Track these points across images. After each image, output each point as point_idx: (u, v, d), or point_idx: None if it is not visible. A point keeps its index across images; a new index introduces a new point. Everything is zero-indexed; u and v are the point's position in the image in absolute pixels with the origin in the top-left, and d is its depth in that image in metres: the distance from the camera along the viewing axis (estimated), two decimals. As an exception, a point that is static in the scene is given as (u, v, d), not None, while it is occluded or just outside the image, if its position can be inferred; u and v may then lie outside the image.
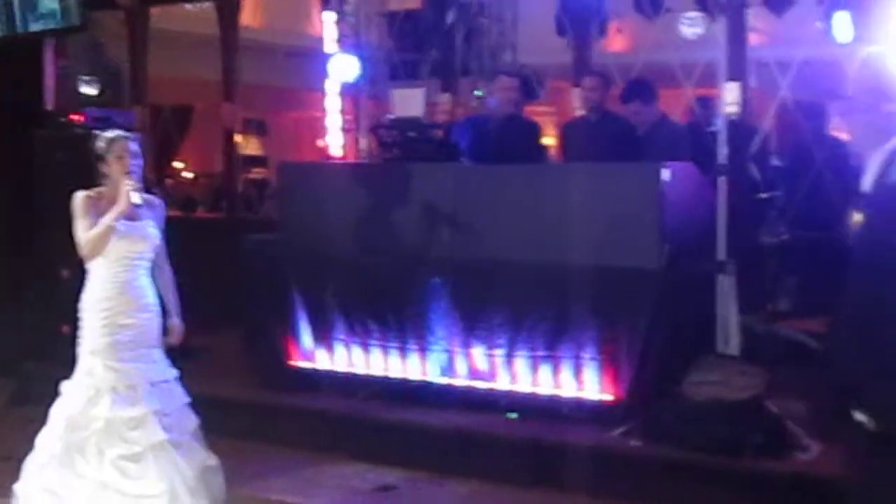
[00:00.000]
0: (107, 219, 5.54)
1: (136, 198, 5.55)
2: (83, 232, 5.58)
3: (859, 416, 3.22)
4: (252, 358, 8.34)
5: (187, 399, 5.85)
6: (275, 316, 7.97)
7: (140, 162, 5.69)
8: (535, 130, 8.21)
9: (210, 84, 12.96)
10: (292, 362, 7.95)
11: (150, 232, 5.71)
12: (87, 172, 5.71)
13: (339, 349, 7.77)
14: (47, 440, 5.63)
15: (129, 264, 5.63)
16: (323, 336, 7.82)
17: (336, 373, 7.80)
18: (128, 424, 5.53)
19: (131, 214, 5.62)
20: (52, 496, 5.54)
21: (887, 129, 3.34)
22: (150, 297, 5.76)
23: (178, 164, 18.47)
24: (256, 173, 18.43)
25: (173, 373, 5.84)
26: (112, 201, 5.61)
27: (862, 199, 3.41)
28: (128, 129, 8.56)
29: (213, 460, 5.90)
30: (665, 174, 6.75)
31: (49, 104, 10.49)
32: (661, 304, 6.63)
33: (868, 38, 7.50)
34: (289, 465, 7.02)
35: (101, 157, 5.69)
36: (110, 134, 5.76)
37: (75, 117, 8.83)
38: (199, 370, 8.27)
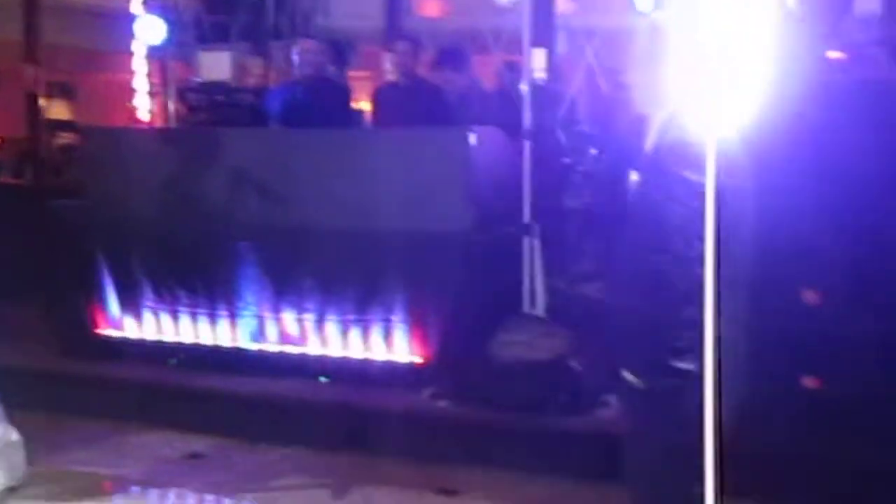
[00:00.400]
0: None
1: None
2: None
3: (627, 376, 3.37)
4: (55, 327, 8.10)
5: None
6: (79, 284, 7.77)
7: None
8: (345, 94, 8.19)
9: (11, 45, 12.48)
10: (98, 331, 7.77)
11: None
12: None
13: (148, 317, 7.63)
14: None
15: None
16: (130, 303, 7.67)
17: (144, 341, 7.67)
18: None
19: None
20: None
21: (665, 94, 3.45)
22: None
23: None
24: (64, 138, 17.82)
25: None
26: None
27: (641, 160, 3.54)
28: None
29: (14, 435, 5.74)
30: (472, 139, 6.82)
31: None
32: (469, 266, 6.73)
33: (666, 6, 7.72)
34: (94, 435, 6.85)
35: None
36: None
37: None
38: (-2, 340, 8.09)
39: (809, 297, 5.80)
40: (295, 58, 7.96)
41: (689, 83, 3.29)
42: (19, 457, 5.77)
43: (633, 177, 3.62)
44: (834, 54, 7.33)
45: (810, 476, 5.51)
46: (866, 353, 5.61)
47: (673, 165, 3.34)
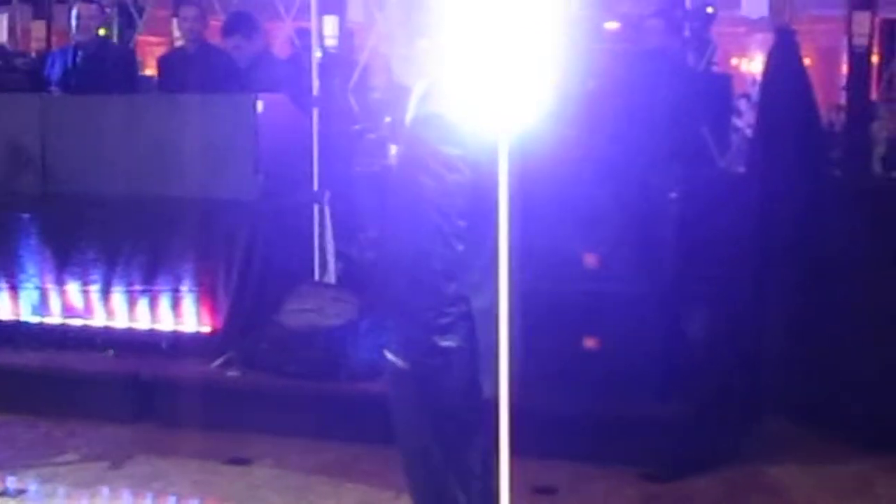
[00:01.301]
0: None
1: None
2: None
3: (390, 355, 3.43)
4: None
5: None
6: None
7: None
8: (128, 59, 8.01)
9: None
10: None
11: None
12: None
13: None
14: None
15: None
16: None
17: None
18: None
19: None
20: None
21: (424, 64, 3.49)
22: None
23: None
24: None
25: None
26: None
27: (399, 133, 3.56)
28: None
29: None
30: (260, 106, 6.77)
31: None
32: (257, 234, 6.71)
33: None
34: None
35: None
36: None
37: None
38: None
39: (589, 260, 6.01)
40: (73, 21, 7.71)
41: (465, 54, 3.33)
42: None
43: (393, 149, 3.64)
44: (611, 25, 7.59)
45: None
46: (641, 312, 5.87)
47: (426, 137, 3.36)
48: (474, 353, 3.33)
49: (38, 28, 9.86)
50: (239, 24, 8.13)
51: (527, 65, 3.29)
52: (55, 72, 7.72)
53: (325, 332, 6.45)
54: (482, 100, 3.30)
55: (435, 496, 3.51)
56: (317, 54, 7.61)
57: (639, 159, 6.20)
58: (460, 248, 3.28)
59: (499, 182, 3.30)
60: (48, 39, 9.91)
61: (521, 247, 3.52)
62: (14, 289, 7.09)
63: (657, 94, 6.53)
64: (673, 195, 6.13)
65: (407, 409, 3.47)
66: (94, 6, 7.84)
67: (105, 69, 7.62)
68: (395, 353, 3.40)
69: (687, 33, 8.37)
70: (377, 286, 6.04)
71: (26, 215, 7.02)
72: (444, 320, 3.29)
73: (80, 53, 7.69)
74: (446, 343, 3.29)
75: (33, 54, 8.91)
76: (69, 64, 7.69)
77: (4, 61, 7.49)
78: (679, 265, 6.12)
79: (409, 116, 3.47)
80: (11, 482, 5.62)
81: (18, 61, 7.66)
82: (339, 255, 7.25)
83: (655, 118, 6.40)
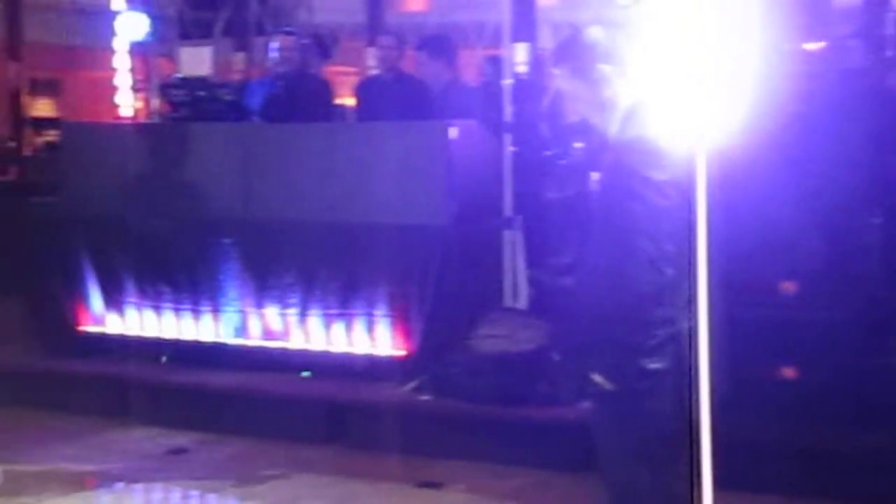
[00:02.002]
0: None
1: None
2: None
3: (596, 378, 3.38)
4: (39, 324, 8.09)
5: None
6: (62, 280, 7.77)
7: None
8: (325, 89, 8.20)
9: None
10: (81, 327, 7.76)
11: None
12: None
13: (131, 313, 7.62)
14: None
15: None
16: (113, 300, 7.66)
17: (128, 337, 7.66)
18: None
19: None
20: None
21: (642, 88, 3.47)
22: None
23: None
24: (49, 135, 17.82)
25: None
26: None
27: (603, 157, 3.54)
28: None
29: None
30: (452, 133, 6.84)
31: None
32: (449, 260, 6.75)
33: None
34: (77, 432, 6.88)
35: None
36: None
37: None
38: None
39: (787, 287, 5.84)
40: (274, 53, 7.95)
41: (669, 79, 3.29)
42: None
43: (594, 175, 3.62)
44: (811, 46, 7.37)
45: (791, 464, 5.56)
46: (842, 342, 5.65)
47: (634, 162, 3.33)
48: (681, 376, 3.28)
49: (239, 60, 10.24)
50: (427, 43, 8.25)
51: (726, 87, 3.22)
52: (255, 101, 7.96)
53: (515, 358, 6.43)
54: (680, 121, 3.25)
55: None
56: (508, 81, 7.65)
57: (839, 184, 6.00)
58: (669, 272, 3.26)
59: (696, 205, 3.24)
60: (247, 71, 10.28)
61: (718, 271, 3.45)
62: (216, 311, 7.32)
63: (859, 115, 6.31)
64: (876, 220, 5.91)
65: (612, 432, 3.45)
66: (292, 38, 8.05)
67: (303, 99, 7.80)
68: (602, 376, 3.37)
69: (890, 53, 8.07)
70: (573, 312, 6.00)
71: (228, 240, 7.24)
72: (652, 343, 3.29)
73: (279, 84, 7.91)
74: (654, 366, 3.30)
75: (234, 85, 9.21)
76: (269, 94, 7.91)
77: (208, 92, 7.75)
78: (881, 291, 5.89)
79: (611, 140, 3.45)
80: (212, 500, 5.79)
81: (221, 92, 7.92)
82: (531, 281, 7.23)
83: (857, 141, 6.19)
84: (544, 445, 6.09)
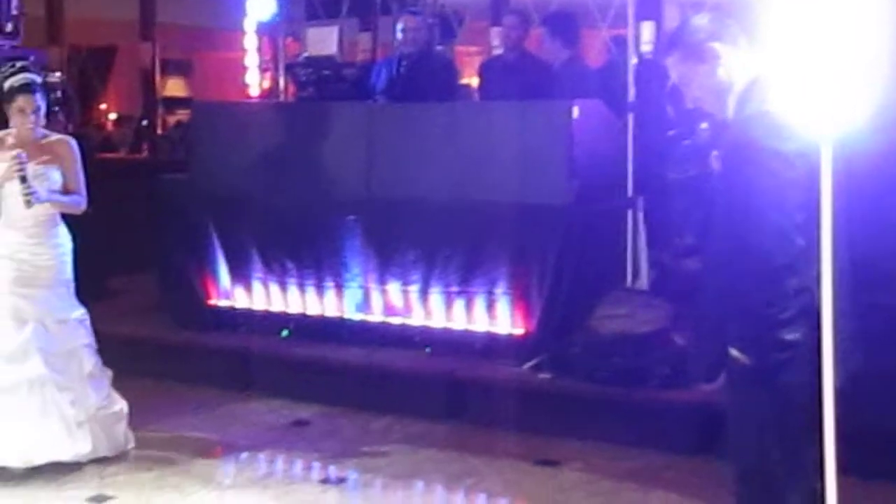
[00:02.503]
0: None
1: (19, 174, 5.51)
2: None
3: (734, 353, 3.39)
4: (169, 298, 8.33)
5: (86, 340, 5.87)
6: (192, 255, 7.97)
7: (43, 109, 5.69)
8: (449, 68, 8.23)
9: (129, 24, 12.79)
10: (210, 301, 7.96)
11: (53, 176, 5.71)
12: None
13: (257, 287, 7.79)
14: None
15: (29, 204, 5.58)
16: (240, 275, 7.84)
17: (254, 311, 7.83)
18: (9, 357, 5.59)
19: (36, 158, 5.63)
20: None
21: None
22: (55, 238, 5.76)
23: (102, 107, 18.21)
24: (180, 114, 18.26)
25: (77, 313, 5.86)
26: (10, 146, 5.66)
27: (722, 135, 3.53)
28: (42, 69, 8.51)
29: (117, 405, 5.95)
30: (575, 112, 6.82)
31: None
32: (570, 239, 6.73)
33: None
34: (203, 403, 7.06)
35: (2, 99, 5.67)
36: (16, 80, 5.69)
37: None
38: (114, 311, 8.36)
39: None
40: (399, 33, 8.00)
41: (789, 53, 3.26)
42: (121, 427, 5.98)
43: (715, 154, 3.63)
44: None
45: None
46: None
47: (759, 137, 3.33)
48: (815, 348, 3.28)
49: (365, 40, 10.34)
50: (548, 19, 8.19)
51: (853, 67, 3.18)
52: (380, 81, 8.04)
53: (636, 339, 6.41)
54: (806, 98, 3.22)
55: (766, 494, 3.47)
56: (633, 60, 7.60)
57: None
58: (801, 241, 3.28)
59: (822, 186, 3.22)
60: (373, 50, 10.38)
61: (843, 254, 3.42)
62: (339, 287, 7.43)
63: None
64: None
65: (749, 406, 3.45)
66: (419, 18, 8.09)
67: (427, 78, 7.84)
68: (739, 349, 3.38)
69: None
70: (701, 291, 5.96)
71: (352, 218, 7.34)
72: (788, 314, 3.30)
73: (403, 63, 7.98)
74: (791, 337, 3.31)
75: (359, 65, 9.31)
76: (393, 73, 7.97)
77: (333, 72, 7.86)
78: None
79: (732, 116, 3.44)
80: (332, 471, 5.90)
81: (346, 72, 8.01)
82: (652, 262, 7.19)
83: None
84: (663, 428, 6.08)
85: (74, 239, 5.90)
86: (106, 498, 5.44)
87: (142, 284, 9.03)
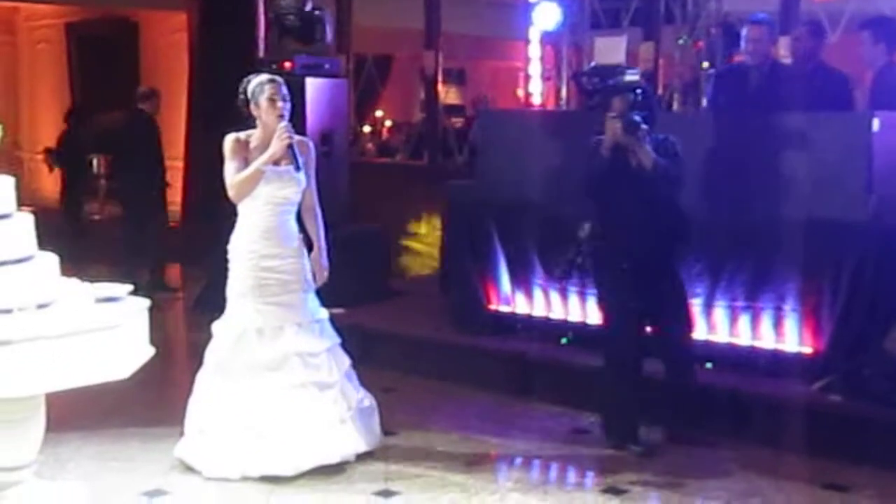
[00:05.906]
0: (257, 163, 5.66)
1: (289, 141, 5.64)
2: (231, 175, 5.70)
3: None
4: (450, 301, 8.50)
5: (338, 340, 6.01)
6: (475, 260, 8.10)
7: (289, 105, 5.79)
8: (843, 84, 7.77)
9: (411, 33, 13.14)
10: (491, 306, 8.08)
11: (298, 176, 5.79)
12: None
13: (538, 294, 7.85)
14: (201, 380, 5.88)
15: (277, 209, 5.74)
16: (521, 281, 7.92)
17: (533, 317, 7.90)
18: (268, 365, 5.70)
19: (280, 159, 5.72)
20: (201, 434, 5.80)
21: None
22: (297, 242, 5.87)
23: (378, 113, 18.82)
24: (455, 122, 18.65)
25: (323, 314, 5.96)
26: (261, 145, 5.75)
27: None
28: (335, 77, 8.87)
29: (368, 401, 6.09)
30: (875, 125, 6.56)
31: (261, 52, 10.88)
32: (867, 256, 6.47)
33: None
34: (484, 405, 7.19)
35: (250, 101, 5.79)
36: (262, 77, 5.84)
37: (286, 64, 9.10)
38: (396, 311, 8.62)
39: None
40: (744, 43, 7.69)
41: None
42: (374, 420, 6.12)
43: None
44: None
45: None
46: None
47: None
48: None
49: (647, 49, 10.26)
50: (871, 23, 7.77)
51: None
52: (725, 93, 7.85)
53: (935, 364, 6.10)
54: None
55: None
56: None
57: None
58: None
59: None
60: (655, 60, 10.29)
61: None
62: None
63: None
64: None
65: None
66: (764, 28, 7.66)
67: (816, 93, 7.43)
68: None
69: None
70: None
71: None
72: None
73: (753, 75, 7.66)
74: None
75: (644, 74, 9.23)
76: (752, 84, 7.65)
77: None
78: None
79: None
80: (613, 481, 5.86)
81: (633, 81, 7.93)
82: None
83: None
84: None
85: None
86: (392, 493, 5.59)
87: (422, 286, 9.26)
